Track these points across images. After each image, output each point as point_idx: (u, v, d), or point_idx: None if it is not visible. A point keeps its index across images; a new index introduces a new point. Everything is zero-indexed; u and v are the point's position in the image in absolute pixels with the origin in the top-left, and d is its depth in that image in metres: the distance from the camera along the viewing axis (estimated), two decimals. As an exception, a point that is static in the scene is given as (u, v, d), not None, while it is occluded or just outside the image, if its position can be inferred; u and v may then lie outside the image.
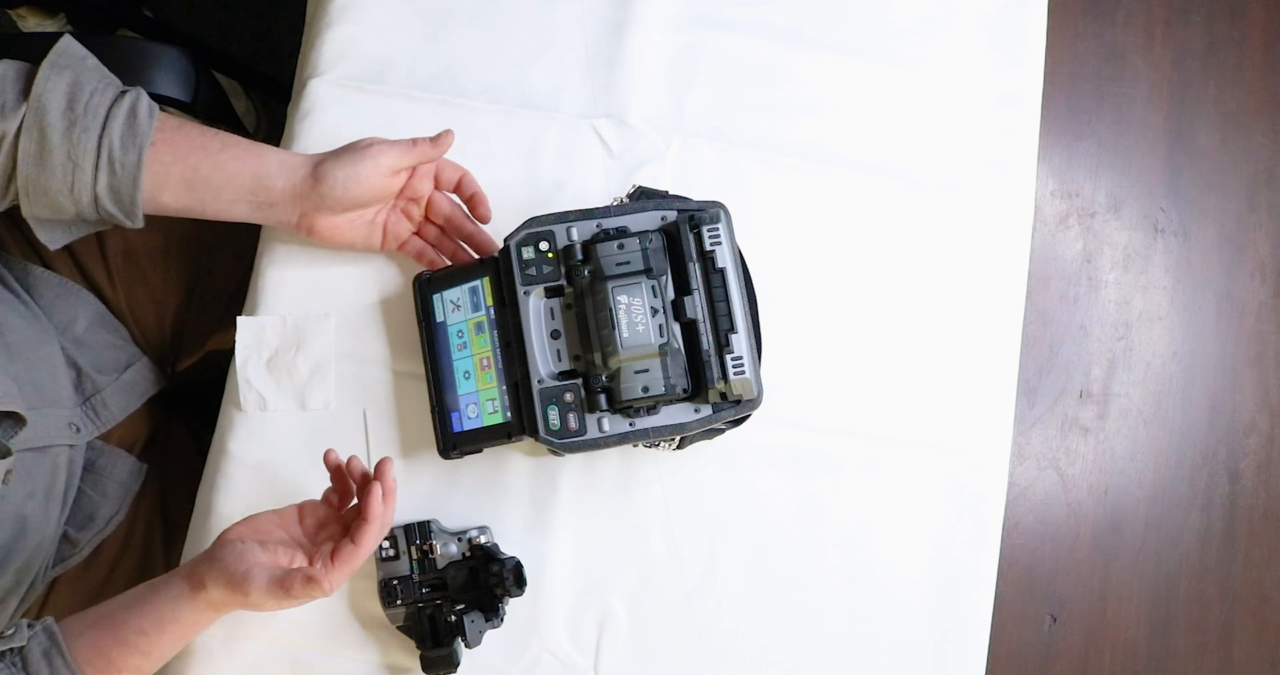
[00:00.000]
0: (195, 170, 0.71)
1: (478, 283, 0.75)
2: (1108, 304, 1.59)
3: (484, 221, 0.78)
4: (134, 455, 0.89)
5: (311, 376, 0.79)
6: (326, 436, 0.79)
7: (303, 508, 0.72)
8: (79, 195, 0.69)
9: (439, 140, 0.74)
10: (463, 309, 0.76)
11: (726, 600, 0.81)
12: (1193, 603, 1.53)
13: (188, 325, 0.94)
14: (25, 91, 0.67)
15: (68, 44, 0.71)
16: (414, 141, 0.74)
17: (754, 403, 0.70)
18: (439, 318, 0.77)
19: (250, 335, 0.80)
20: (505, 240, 0.72)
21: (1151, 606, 1.52)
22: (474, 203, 0.78)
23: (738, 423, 0.74)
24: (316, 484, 0.79)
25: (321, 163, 0.73)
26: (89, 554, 0.86)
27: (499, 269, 0.74)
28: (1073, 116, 1.61)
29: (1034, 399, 1.55)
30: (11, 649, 0.62)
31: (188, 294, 0.93)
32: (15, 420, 0.71)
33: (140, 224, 0.72)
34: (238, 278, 0.85)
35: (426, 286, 0.78)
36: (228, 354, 0.80)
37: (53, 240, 0.73)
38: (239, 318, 0.80)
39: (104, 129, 0.68)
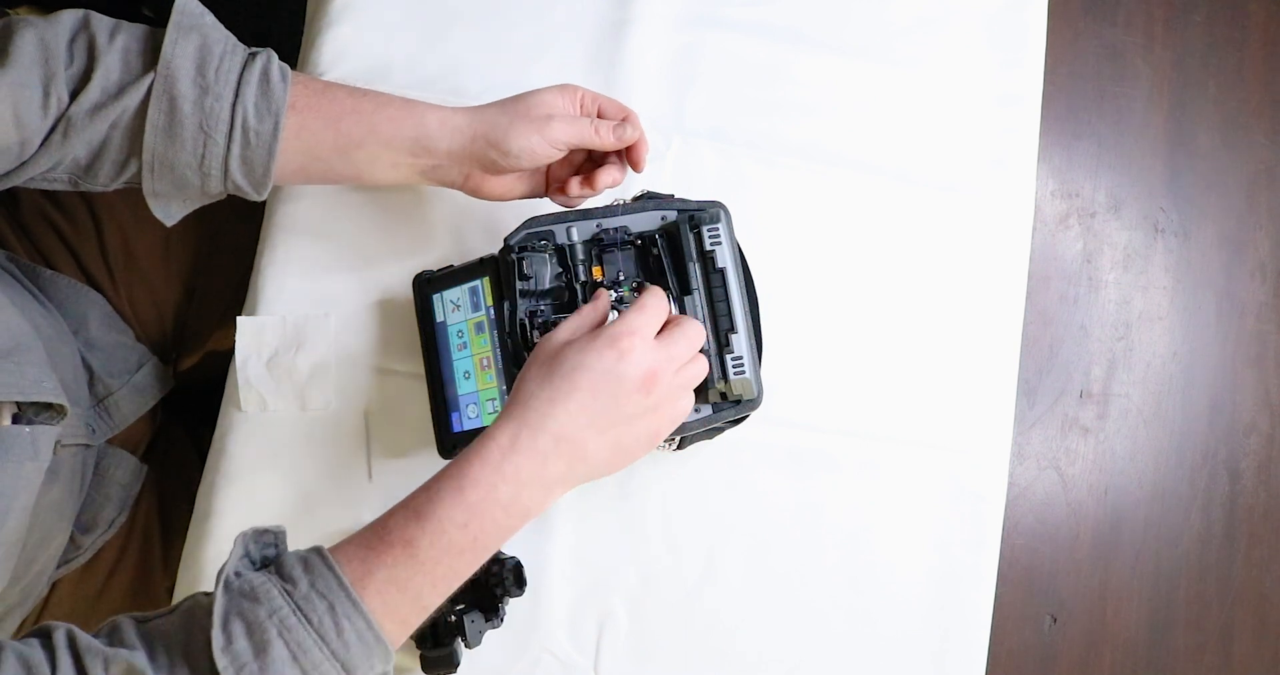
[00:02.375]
0: (348, 136, 0.68)
1: (477, 283, 0.75)
2: (1108, 304, 1.59)
3: (637, 171, 0.74)
4: (136, 457, 0.89)
5: (311, 376, 0.79)
6: (326, 436, 0.79)
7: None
8: (209, 168, 0.66)
9: (622, 135, 0.71)
10: (463, 309, 0.76)
11: (726, 600, 0.81)
12: (1193, 603, 1.53)
13: (188, 325, 0.94)
14: (149, 58, 0.63)
15: (185, 2, 0.66)
16: (595, 128, 0.70)
17: (754, 403, 0.70)
18: (439, 318, 0.77)
19: (250, 335, 0.80)
20: (505, 240, 0.72)
21: (1151, 606, 1.53)
22: (635, 151, 0.73)
23: (737, 422, 0.74)
24: (317, 484, 0.79)
25: (494, 127, 0.69)
26: (90, 557, 0.86)
27: (499, 269, 0.74)
28: (1073, 116, 1.61)
29: (1034, 399, 1.55)
30: (267, 559, 0.56)
31: (188, 294, 0.93)
32: (56, 413, 0.69)
33: (265, 197, 0.70)
34: (238, 278, 0.85)
35: (426, 286, 0.78)
36: (228, 354, 0.80)
37: (168, 216, 0.70)
38: (239, 318, 0.80)
39: (237, 96, 0.64)
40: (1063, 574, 1.53)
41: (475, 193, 0.73)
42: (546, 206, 0.74)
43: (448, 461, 0.76)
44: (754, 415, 0.72)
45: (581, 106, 0.73)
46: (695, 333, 0.63)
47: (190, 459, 0.91)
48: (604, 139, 0.71)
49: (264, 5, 1.52)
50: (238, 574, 0.54)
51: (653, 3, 0.87)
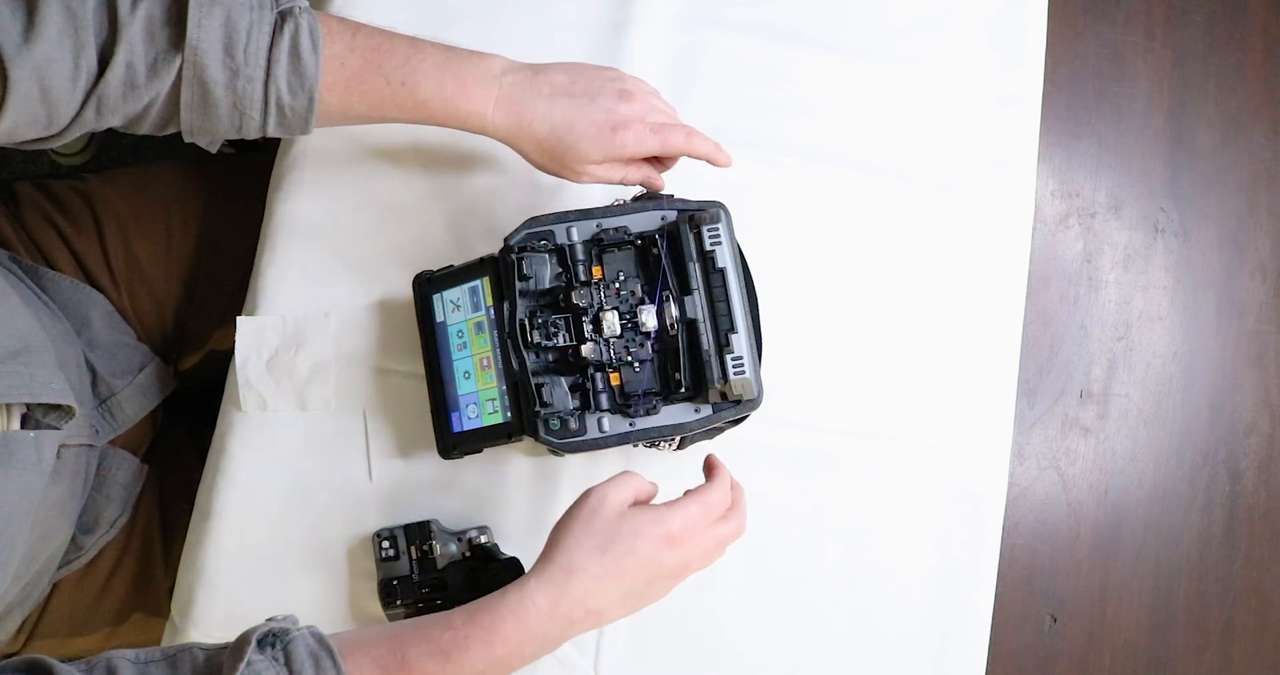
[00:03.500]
0: (395, 118, 0.69)
1: (477, 283, 0.75)
2: (1108, 304, 1.59)
3: (725, 165, 0.75)
4: (137, 458, 0.89)
5: (311, 376, 0.79)
6: (326, 436, 0.79)
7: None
8: (247, 134, 0.67)
9: (699, 149, 0.73)
10: (463, 309, 0.76)
11: (727, 600, 0.81)
12: (1193, 603, 1.53)
13: (189, 325, 0.94)
14: (174, 32, 0.61)
15: None
16: (662, 137, 0.72)
17: (754, 403, 0.70)
18: (439, 318, 0.77)
19: (250, 335, 0.80)
20: (505, 240, 0.72)
21: (1151, 606, 1.52)
22: (709, 160, 0.75)
23: (737, 422, 0.74)
24: (317, 484, 0.79)
25: (564, 137, 0.70)
26: (91, 558, 0.86)
27: (499, 269, 0.74)
28: (1073, 116, 1.61)
29: (1034, 399, 1.55)
30: (275, 638, 0.56)
31: (189, 294, 0.93)
32: (64, 413, 0.70)
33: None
34: (238, 277, 0.85)
35: (426, 286, 0.78)
36: (228, 354, 0.80)
37: (211, 146, 0.73)
38: (239, 318, 0.80)
39: (269, 75, 0.63)
40: (1063, 574, 1.53)
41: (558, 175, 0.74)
42: (546, 206, 0.74)
43: (446, 459, 0.76)
44: (754, 415, 0.72)
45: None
46: (741, 513, 0.66)
47: (190, 459, 0.90)
48: (673, 146, 0.72)
49: None
50: (249, 664, 0.53)
51: (653, 3, 0.87)
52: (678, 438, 0.75)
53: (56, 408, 0.69)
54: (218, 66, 0.62)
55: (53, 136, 0.63)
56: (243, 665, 0.52)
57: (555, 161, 0.71)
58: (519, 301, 0.71)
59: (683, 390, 0.69)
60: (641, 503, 0.64)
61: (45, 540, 0.75)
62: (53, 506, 0.74)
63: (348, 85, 0.67)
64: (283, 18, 0.64)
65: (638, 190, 0.77)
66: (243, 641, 0.54)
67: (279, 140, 0.85)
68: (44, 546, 0.75)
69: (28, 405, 0.67)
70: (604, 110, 0.69)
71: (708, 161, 0.74)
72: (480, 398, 0.75)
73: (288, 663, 0.54)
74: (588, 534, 0.61)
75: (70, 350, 0.81)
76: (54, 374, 0.70)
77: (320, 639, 0.56)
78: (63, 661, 0.53)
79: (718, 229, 0.70)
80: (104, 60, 0.61)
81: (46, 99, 0.60)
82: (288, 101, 0.65)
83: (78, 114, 0.62)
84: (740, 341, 0.69)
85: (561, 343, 0.71)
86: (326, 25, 0.66)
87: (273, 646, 0.55)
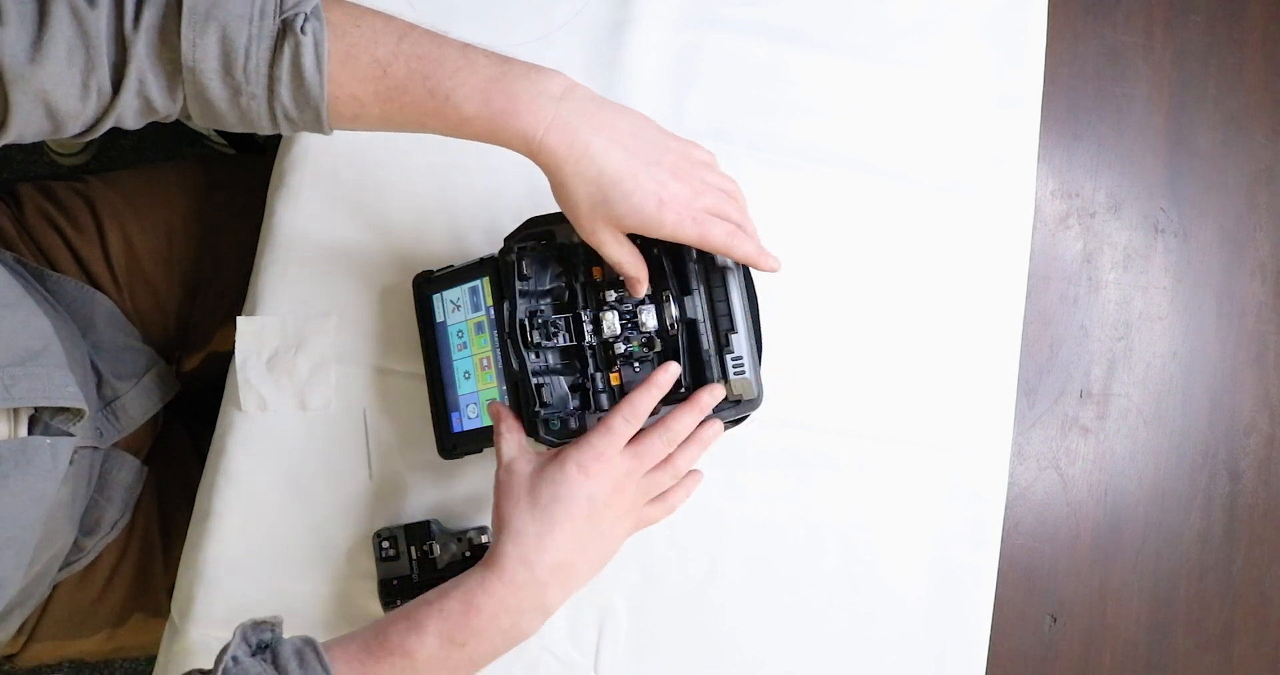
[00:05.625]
0: (437, 131, 0.64)
1: (478, 283, 0.75)
2: (1108, 304, 1.58)
3: (771, 270, 0.69)
4: (139, 460, 0.89)
5: (311, 376, 0.79)
6: (326, 436, 0.79)
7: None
8: (261, 137, 0.65)
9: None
10: (463, 309, 0.76)
11: (727, 600, 0.81)
12: (1193, 603, 1.53)
13: (191, 326, 0.94)
14: (176, 57, 0.58)
15: None
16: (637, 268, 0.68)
17: (754, 403, 0.70)
18: (439, 318, 0.77)
19: (250, 335, 0.80)
20: (505, 240, 0.72)
21: (1151, 606, 1.52)
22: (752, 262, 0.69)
23: (737, 422, 0.74)
24: (317, 484, 0.79)
25: (608, 191, 0.63)
26: (90, 560, 0.86)
27: (499, 269, 0.74)
28: (1073, 116, 1.60)
29: (1034, 399, 1.55)
30: (263, 643, 0.59)
31: (190, 294, 0.93)
32: (73, 415, 0.69)
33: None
34: (240, 278, 0.85)
35: (426, 286, 0.78)
36: (229, 355, 0.80)
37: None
38: (239, 318, 0.80)
39: (271, 94, 0.60)
40: (1063, 574, 1.53)
41: None
42: (546, 206, 0.74)
43: (446, 459, 0.76)
44: (754, 415, 0.72)
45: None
46: (670, 435, 0.67)
47: (190, 459, 0.91)
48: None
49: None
50: (235, 660, 0.56)
51: (653, 3, 0.87)
52: (678, 438, 0.75)
53: (64, 410, 0.69)
54: (218, 85, 0.59)
55: (63, 140, 0.63)
56: (227, 659, 0.55)
57: (583, 208, 0.64)
58: (519, 301, 0.71)
59: (682, 390, 0.69)
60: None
61: (48, 542, 0.75)
62: (57, 509, 0.74)
63: (389, 95, 0.62)
64: (285, 29, 0.59)
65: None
66: (223, 650, 0.57)
67: (279, 138, 0.85)
68: (46, 548, 0.75)
69: (36, 407, 0.67)
70: (656, 181, 0.63)
71: (750, 266, 0.69)
72: (480, 398, 0.75)
73: (274, 659, 0.57)
74: (512, 500, 0.64)
75: (78, 352, 0.80)
76: (67, 376, 0.70)
77: (307, 639, 0.59)
78: None
79: (718, 229, 0.70)
80: (116, 82, 0.58)
81: (53, 116, 0.57)
82: (295, 115, 0.61)
83: (92, 126, 0.60)
84: (740, 341, 0.69)
85: (561, 343, 0.71)
86: (373, 27, 0.62)
87: (262, 650, 0.58)
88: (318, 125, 0.62)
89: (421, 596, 0.63)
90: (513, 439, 0.68)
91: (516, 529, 0.63)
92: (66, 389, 0.68)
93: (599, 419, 0.70)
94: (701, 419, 0.68)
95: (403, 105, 0.63)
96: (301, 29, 0.59)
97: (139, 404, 0.87)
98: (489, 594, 0.62)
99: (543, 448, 0.69)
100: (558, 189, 0.65)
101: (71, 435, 0.68)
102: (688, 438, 0.68)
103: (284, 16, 0.59)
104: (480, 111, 0.62)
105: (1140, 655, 1.51)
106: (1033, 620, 1.49)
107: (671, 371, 0.68)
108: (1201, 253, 1.60)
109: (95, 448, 0.81)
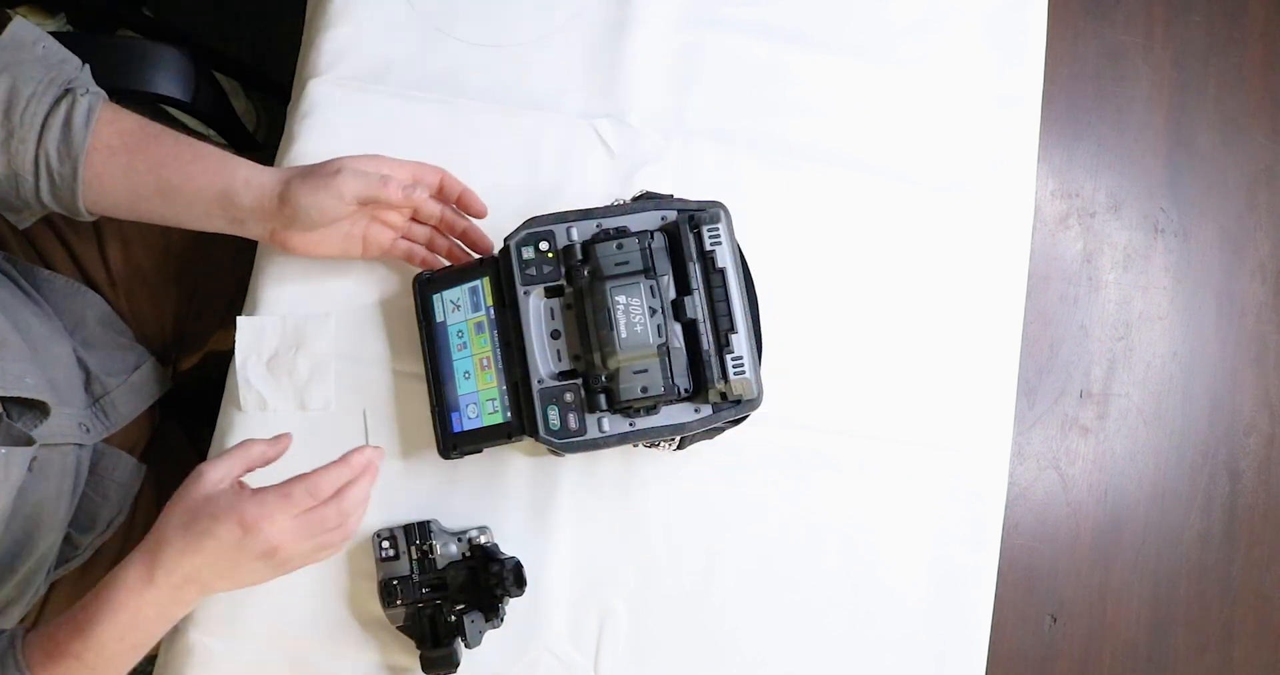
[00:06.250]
0: (169, 182, 0.70)
1: (478, 283, 0.75)
2: (1108, 304, 1.59)
3: (479, 217, 0.77)
4: (134, 457, 0.89)
5: (311, 376, 0.79)
6: (326, 436, 0.79)
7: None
8: (26, 199, 0.70)
9: (411, 194, 0.73)
10: (463, 309, 0.76)
11: (727, 600, 0.81)
12: (1193, 603, 1.53)
13: (188, 326, 0.94)
14: None
15: (15, 31, 0.70)
16: (384, 182, 0.72)
17: (754, 403, 0.70)
18: (439, 318, 0.77)
19: (250, 335, 0.80)
20: (505, 240, 0.72)
21: (1151, 606, 1.52)
22: (464, 202, 0.77)
23: (737, 422, 0.74)
24: (316, 484, 0.79)
25: (288, 185, 0.71)
26: (89, 557, 0.86)
27: (499, 269, 0.74)
28: (1073, 116, 1.61)
29: (1034, 399, 1.55)
30: None
31: (188, 294, 0.93)
32: (40, 411, 0.71)
33: (91, 219, 0.73)
34: (238, 278, 0.85)
35: (426, 286, 0.78)
36: (228, 354, 0.80)
37: (20, 222, 0.74)
38: (239, 318, 0.80)
39: (40, 141, 0.67)
40: (1063, 574, 1.53)
41: (284, 247, 0.75)
42: (546, 206, 0.74)
43: (446, 459, 0.76)
44: (754, 415, 0.72)
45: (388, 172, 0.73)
46: (344, 509, 0.66)
47: (190, 459, 0.90)
48: (391, 194, 0.72)
49: (264, 5, 1.52)
50: None
51: (653, 3, 0.87)
52: (677, 438, 0.75)
53: (26, 405, 0.70)
54: None
55: None
56: None
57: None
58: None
59: (683, 391, 0.69)
60: (256, 468, 0.68)
61: (30, 540, 0.75)
62: (36, 507, 0.74)
63: (140, 146, 0.70)
64: (67, 93, 0.69)
65: (638, 190, 0.78)
66: None
67: (279, 138, 0.85)
68: (29, 546, 0.75)
69: (4, 403, 0.68)
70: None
71: None
72: (480, 398, 0.75)
73: None
74: (177, 510, 0.65)
75: (59, 349, 0.81)
76: (27, 368, 0.71)
77: (12, 636, 0.63)
78: None
79: (718, 229, 0.70)
80: None
81: None
82: (55, 167, 0.68)
83: None
84: (740, 341, 0.69)
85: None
86: (115, 110, 0.70)
87: None
88: (73, 180, 0.68)
89: (85, 599, 0.64)
90: (235, 462, 0.67)
91: (166, 537, 0.64)
92: (24, 380, 0.69)
93: (599, 419, 0.70)
94: (350, 477, 0.67)
95: (146, 154, 0.70)
96: (80, 94, 0.69)
97: (128, 401, 0.87)
98: (129, 590, 0.64)
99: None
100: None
101: (29, 444, 0.69)
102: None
103: (69, 86, 0.69)
104: (210, 153, 0.72)
105: (1140, 655, 1.51)
106: (1033, 620, 1.50)
107: (366, 456, 0.68)
108: (1201, 253, 1.60)
109: (80, 445, 0.81)
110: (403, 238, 0.78)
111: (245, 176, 0.71)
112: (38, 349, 0.77)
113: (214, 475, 0.65)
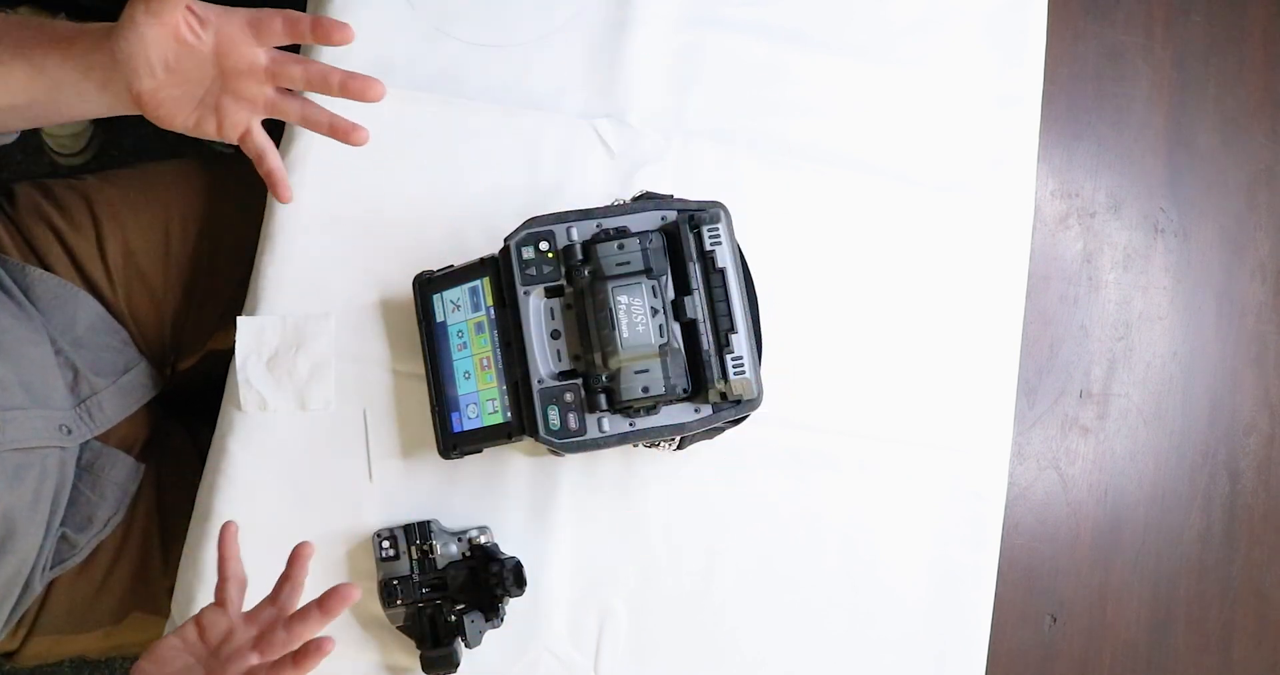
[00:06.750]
0: (37, 65, 0.62)
1: (478, 283, 0.75)
2: (1108, 304, 1.58)
3: (344, 42, 0.62)
4: (132, 456, 0.89)
5: (311, 376, 0.79)
6: (326, 436, 0.80)
7: (200, 621, 0.65)
8: None
9: None
10: (463, 309, 0.76)
11: (727, 600, 0.81)
12: (1193, 603, 1.53)
13: (188, 325, 0.94)
14: None
15: None
16: None
17: (754, 403, 0.70)
18: (439, 318, 0.77)
19: (250, 335, 0.80)
20: (505, 240, 0.72)
21: (1151, 606, 1.52)
22: (319, 32, 0.62)
23: (737, 422, 0.74)
24: (317, 484, 0.79)
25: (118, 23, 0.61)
26: (87, 555, 0.86)
27: (499, 269, 0.74)
28: (1073, 116, 1.60)
29: (1034, 399, 1.55)
30: None
31: (188, 294, 0.93)
32: None
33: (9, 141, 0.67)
34: (238, 278, 0.85)
35: (426, 286, 0.78)
36: (228, 354, 0.80)
37: None
38: (239, 318, 0.80)
39: None
40: (1063, 574, 1.53)
41: (140, 108, 0.64)
42: (546, 206, 0.74)
43: (446, 459, 0.76)
44: (754, 415, 0.72)
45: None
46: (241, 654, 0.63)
47: (190, 459, 0.90)
48: None
49: (263, 5, 1.52)
50: None
51: (653, 3, 0.87)
52: (678, 438, 0.75)
53: None
54: None
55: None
56: None
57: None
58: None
59: (684, 392, 0.69)
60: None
61: (9, 542, 0.75)
62: (15, 509, 0.74)
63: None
64: None
65: (638, 190, 0.77)
66: None
67: (279, 138, 0.85)
68: (9, 548, 0.75)
69: None
70: None
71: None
72: (480, 398, 0.75)
73: None
74: None
75: (36, 351, 0.80)
76: None
77: None
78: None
79: (718, 229, 0.70)
80: None
81: None
82: None
83: None
84: (740, 341, 0.69)
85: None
86: None
87: None
88: None
89: None
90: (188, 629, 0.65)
91: None
92: None
93: (599, 419, 0.70)
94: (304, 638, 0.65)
95: (12, 37, 0.63)
96: None
97: (115, 402, 0.86)
98: None
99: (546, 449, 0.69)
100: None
101: None
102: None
103: None
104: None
105: (1140, 655, 1.51)
106: (1033, 620, 1.49)
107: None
108: (1201, 253, 1.60)
109: (62, 448, 0.81)
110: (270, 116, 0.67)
111: (93, 29, 0.62)
112: (9, 351, 0.76)
113: (165, 653, 0.63)
